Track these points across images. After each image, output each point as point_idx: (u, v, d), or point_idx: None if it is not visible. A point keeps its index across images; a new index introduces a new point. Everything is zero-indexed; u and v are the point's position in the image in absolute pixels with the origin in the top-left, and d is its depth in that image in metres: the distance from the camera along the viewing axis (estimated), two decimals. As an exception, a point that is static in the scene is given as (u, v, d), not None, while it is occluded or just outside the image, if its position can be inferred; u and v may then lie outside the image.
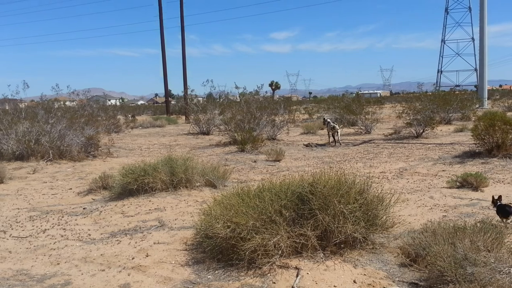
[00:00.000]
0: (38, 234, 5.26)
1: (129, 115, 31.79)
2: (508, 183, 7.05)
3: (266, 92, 29.36)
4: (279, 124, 16.09)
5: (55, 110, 13.01)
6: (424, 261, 3.59)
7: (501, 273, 3.13)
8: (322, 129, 19.53)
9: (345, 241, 4.21)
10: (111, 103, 58.97)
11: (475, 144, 9.82)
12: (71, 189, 7.96)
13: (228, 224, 4.10)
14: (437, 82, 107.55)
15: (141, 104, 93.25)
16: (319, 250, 4.10)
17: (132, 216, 5.90)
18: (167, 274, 3.89)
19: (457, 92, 24.95)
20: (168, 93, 38.60)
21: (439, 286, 3.24)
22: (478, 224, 3.86)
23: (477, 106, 25.38)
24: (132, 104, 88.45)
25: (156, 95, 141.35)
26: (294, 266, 3.89)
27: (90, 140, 11.80)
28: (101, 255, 4.44)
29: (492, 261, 3.26)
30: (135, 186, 6.82)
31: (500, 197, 4.85)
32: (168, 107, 37.31)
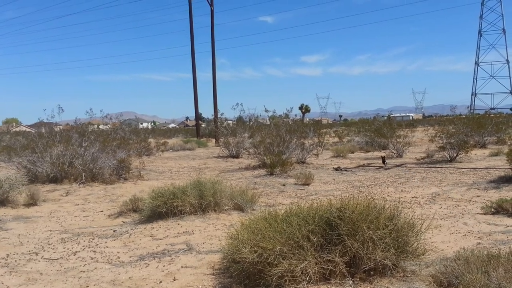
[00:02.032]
0: (69, 256, 5.36)
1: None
2: (547, 209, 6.76)
3: (295, 115, 29.42)
4: (309, 148, 16.04)
5: (88, 133, 13.40)
6: (457, 290, 3.47)
7: (540, 305, 2.99)
8: (352, 152, 19.37)
9: (375, 268, 4.11)
10: (143, 126, 60.29)
11: (510, 168, 9.49)
12: (102, 211, 8.12)
13: (255, 248, 4.08)
14: (471, 104, 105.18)
15: (172, 127, 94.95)
16: (347, 277, 4.01)
17: (160, 239, 5.95)
18: (193, 299, 3.89)
19: (492, 115, 24.29)
20: (198, 116, 39.21)
21: (473, 318, 3.11)
22: (514, 253, 3.70)
23: (513, 129, 24.64)
24: (164, 127, 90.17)
25: (187, 118, 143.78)
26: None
27: (121, 163, 12.06)
28: (129, 278, 4.48)
29: (530, 292, 3.12)
30: (164, 209, 6.90)
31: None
32: (198, 130, 37.84)
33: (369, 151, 19.48)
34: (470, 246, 4.85)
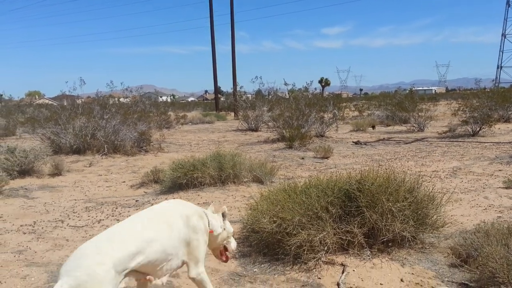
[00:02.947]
0: (93, 224, 5.53)
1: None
2: None
3: (315, 89, 29.12)
4: (328, 121, 15.95)
5: (109, 106, 13.57)
6: (476, 262, 3.48)
7: (560, 277, 2.98)
8: (373, 127, 19.19)
9: (393, 239, 4.14)
10: (162, 99, 60.65)
11: (536, 143, 9.30)
12: (124, 182, 8.30)
13: (274, 219, 4.14)
14: (496, 78, 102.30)
15: (191, 100, 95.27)
16: (365, 247, 4.05)
17: (181, 210, 6.06)
18: (214, 266, 3.99)
19: (517, 89, 23.67)
20: (217, 90, 39.19)
21: (490, 287, 3.12)
22: (536, 226, 3.67)
23: (540, 103, 23.96)
24: (183, 101, 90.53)
25: (206, 91, 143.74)
26: (340, 263, 3.88)
27: (142, 135, 12.23)
28: (152, 245, 4.61)
29: (550, 264, 3.11)
30: (185, 181, 7.02)
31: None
32: (217, 104, 37.88)
33: (389, 125, 19.26)
34: (490, 219, 4.82)
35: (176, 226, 2.68)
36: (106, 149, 11.37)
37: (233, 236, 3.29)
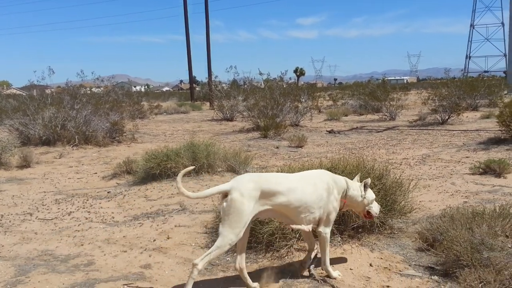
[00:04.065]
0: (63, 216, 5.45)
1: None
2: (534, 170, 6.90)
3: (290, 78, 29.17)
4: (303, 111, 16.04)
5: (80, 96, 13.28)
6: (441, 246, 3.59)
7: (518, 258, 3.11)
8: (346, 115, 19.42)
9: (363, 225, 4.23)
10: (136, 89, 59.75)
11: (500, 130, 9.60)
12: (96, 173, 8.18)
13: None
14: (465, 67, 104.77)
15: (166, 90, 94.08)
16: (336, 234, 4.13)
17: (154, 200, 6.04)
18: (187, 256, 4.00)
19: (485, 78, 24.26)
20: (192, 80, 38.83)
21: (455, 270, 3.24)
22: (497, 210, 3.81)
23: (505, 92, 24.66)
24: (158, 91, 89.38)
25: (181, 81, 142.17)
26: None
27: (115, 125, 12.05)
28: (124, 237, 4.59)
29: (510, 246, 3.25)
30: (158, 171, 6.97)
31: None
32: (192, 94, 37.55)
33: (362, 114, 19.52)
34: (457, 204, 4.97)
35: (319, 188, 3.26)
36: (77, 140, 11.16)
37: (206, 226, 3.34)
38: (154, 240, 4.43)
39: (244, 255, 3.25)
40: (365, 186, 3.53)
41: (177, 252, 4.10)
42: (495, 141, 9.47)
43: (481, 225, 3.59)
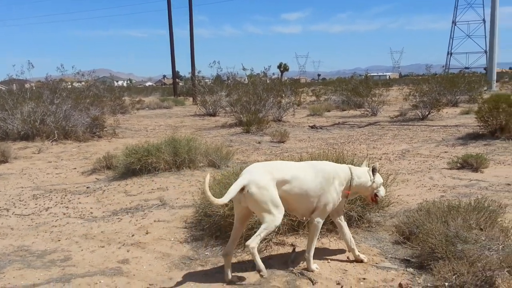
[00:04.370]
0: (40, 212, 5.38)
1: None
2: (509, 164, 7.06)
3: (273, 74, 29.19)
4: (285, 106, 16.08)
5: (60, 90, 13.07)
6: (417, 238, 3.64)
7: (490, 250, 3.17)
8: (329, 111, 19.52)
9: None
10: (118, 84, 59.07)
11: (479, 126, 9.77)
12: (75, 168, 8.08)
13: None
14: (446, 64, 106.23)
15: (149, 85, 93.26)
16: (315, 228, 4.15)
17: (134, 195, 6.00)
18: (165, 251, 3.99)
19: (465, 75, 24.63)
20: (175, 75, 38.57)
21: (430, 262, 3.28)
22: (473, 203, 3.88)
23: (485, 88, 25.10)
24: (140, 86, 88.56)
25: (164, 76, 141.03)
26: (290, 243, 3.96)
27: (95, 120, 11.91)
28: (102, 232, 4.54)
29: (483, 238, 3.31)
30: (138, 166, 6.92)
31: None
32: (175, 89, 37.28)
33: (345, 110, 19.65)
34: (434, 198, 5.04)
35: (319, 177, 3.36)
36: (56, 135, 11.00)
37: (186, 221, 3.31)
38: (133, 235, 4.40)
39: (235, 244, 3.40)
40: (373, 171, 3.61)
41: (155, 247, 4.08)
42: (474, 137, 9.64)
43: (456, 218, 3.65)
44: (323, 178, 3.36)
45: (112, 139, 11.80)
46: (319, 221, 3.41)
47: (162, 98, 30.50)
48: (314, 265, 3.48)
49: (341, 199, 3.50)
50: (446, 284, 3.08)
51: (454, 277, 3.08)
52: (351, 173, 3.51)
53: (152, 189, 6.28)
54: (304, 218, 3.66)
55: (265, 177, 3.15)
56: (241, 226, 3.42)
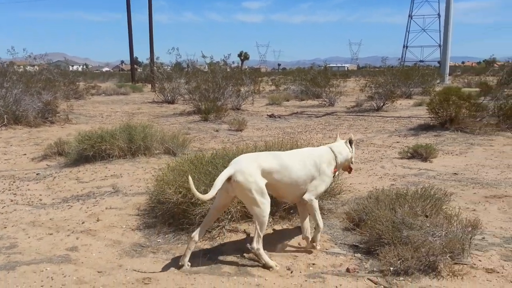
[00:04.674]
0: (-14, 198, 5.15)
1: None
2: (457, 154, 7.38)
3: (233, 62, 29.05)
4: (244, 95, 16.07)
5: (10, 74, 12.48)
6: (366, 225, 3.76)
7: (434, 236, 3.32)
8: (288, 100, 19.68)
9: (294, 206, 4.34)
10: (74, 69, 57.05)
11: (430, 117, 10.14)
12: (25, 154, 7.78)
13: (180, 189, 4.13)
14: (402, 57, 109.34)
15: (106, 71, 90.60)
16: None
17: (86, 182, 5.85)
18: (116, 238, 3.92)
19: (419, 68, 25.44)
20: (134, 60, 37.61)
21: (377, 248, 3.40)
22: (419, 191, 4.04)
23: (438, 81, 26.03)
24: (97, 71, 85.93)
25: (122, 62, 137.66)
26: (243, 230, 3.99)
27: (47, 105, 11.47)
28: (50, 219, 4.41)
29: (428, 225, 3.45)
30: (92, 153, 6.75)
31: None
32: (133, 75, 36.43)
33: (303, 100, 19.87)
34: (385, 187, 5.20)
35: (308, 165, 3.47)
36: (5, 119, 10.52)
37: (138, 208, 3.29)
38: (83, 223, 4.29)
39: (205, 229, 3.48)
40: (350, 142, 3.84)
41: (106, 234, 4.01)
42: (425, 128, 9.99)
43: (404, 205, 3.79)
44: (311, 166, 3.48)
45: (65, 124, 11.42)
46: (311, 199, 3.51)
47: (120, 84, 29.77)
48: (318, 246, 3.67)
49: (332, 179, 3.69)
50: (391, 268, 3.21)
51: (399, 262, 3.21)
52: (333, 152, 3.67)
53: (106, 176, 6.14)
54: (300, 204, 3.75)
55: (251, 165, 3.21)
56: (216, 214, 3.47)
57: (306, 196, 3.50)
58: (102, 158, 6.80)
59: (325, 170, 3.55)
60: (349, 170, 3.96)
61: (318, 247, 3.67)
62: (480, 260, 3.36)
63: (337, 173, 3.82)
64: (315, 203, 3.54)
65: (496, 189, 5.30)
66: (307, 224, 3.68)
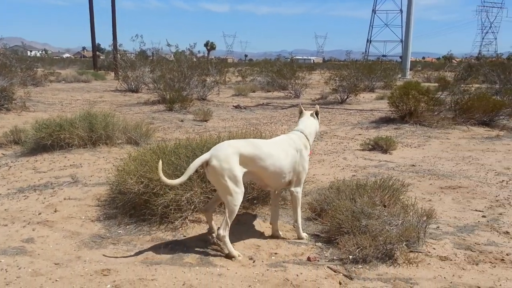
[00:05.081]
0: None
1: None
2: (415, 147, 7.61)
3: (199, 51, 28.74)
4: (210, 85, 15.94)
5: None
6: (327, 215, 3.83)
7: (391, 225, 3.42)
8: (254, 91, 19.67)
9: (257, 197, 4.37)
10: (32, 54, 54.93)
11: (391, 111, 10.39)
12: (-22, 143, 7.45)
13: (142, 180, 4.08)
14: (366, 51, 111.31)
15: (67, 57, 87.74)
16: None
17: (44, 172, 5.67)
18: (75, 229, 3.83)
19: (382, 62, 25.97)
20: (96, 47, 36.60)
21: (337, 237, 3.47)
22: (378, 182, 4.14)
23: (399, 76, 26.67)
24: (57, 57, 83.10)
25: (84, 48, 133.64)
26: (205, 220, 3.98)
27: (3, 92, 11.00)
28: (5, 210, 4.25)
29: (385, 214, 3.55)
30: (50, 141, 6.55)
31: None
32: (95, 62, 35.45)
33: (269, 91, 19.92)
34: (346, 178, 5.31)
35: (290, 152, 3.50)
36: (-43, 106, 10.04)
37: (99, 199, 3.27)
38: (40, 214, 4.16)
39: (216, 204, 3.67)
40: (317, 114, 4.02)
41: (64, 225, 3.90)
42: (386, 120, 10.24)
43: (363, 196, 3.88)
44: (294, 151, 3.53)
45: (22, 112, 11.00)
46: (298, 191, 3.60)
47: (81, 71, 28.93)
48: (304, 233, 3.70)
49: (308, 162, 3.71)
50: (350, 257, 3.29)
51: (357, 250, 3.29)
52: (305, 135, 3.72)
53: (65, 165, 5.97)
54: (276, 192, 3.78)
55: (228, 151, 3.21)
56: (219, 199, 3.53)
57: (293, 188, 3.58)
58: (61, 148, 6.60)
59: (304, 155, 3.60)
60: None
61: (281, 235, 3.71)
62: (434, 248, 3.49)
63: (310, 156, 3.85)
64: (299, 195, 3.62)
65: (451, 180, 5.51)
66: (277, 212, 3.76)
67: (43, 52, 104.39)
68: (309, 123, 3.86)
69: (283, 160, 3.43)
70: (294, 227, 3.77)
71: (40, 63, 32.40)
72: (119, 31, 30.06)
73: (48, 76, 22.64)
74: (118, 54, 22.80)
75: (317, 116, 3.96)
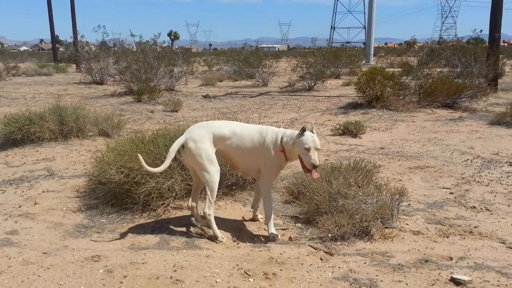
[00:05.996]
0: None
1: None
2: (383, 130, 7.91)
3: (163, 41, 28.37)
4: (177, 75, 15.86)
5: None
6: (305, 197, 4.00)
7: (366, 204, 3.62)
8: (221, 81, 19.67)
9: (236, 183, 4.50)
10: (-12, 47, 52.62)
11: (358, 96, 10.68)
12: None
13: (122, 169, 4.12)
14: (330, 38, 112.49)
15: (24, 50, 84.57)
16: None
17: (17, 167, 5.60)
18: (58, 220, 3.85)
19: (346, 49, 26.42)
20: (55, 39, 35.50)
21: (315, 217, 3.65)
22: (352, 164, 4.34)
23: (363, 62, 27.20)
24: (14, 50, 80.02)
25: (42, 40, 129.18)
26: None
27: (-37, 87, 10.64)
28: (-16, 204, 4.22)
29: (360, 194, 3.75)
30: (20, 136, 6.46)
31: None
32: (55, 54, 34.45)
33: (237, 80, 19.96)
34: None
35: (255, 138, 3.49)
36: None
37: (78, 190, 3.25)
38: (20, 206, 4.15)
39: (197, 194, 3.76)
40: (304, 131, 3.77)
41: (46, 217, 3.92)
42: (353, 106, 10.53)
43: (338, 177, 4.06)
44: (257, 139, 3.47)
45: (-16, 107, 10.68)
46: (263, 185, 3.53)
47: (41, 64, 28.04)
48: (273, 229, 3.51)
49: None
50: (329, 235, 3.47)
51: (336, 228, 3.48)
52: (281, 137, 3.47)
53: (37, 159, 5.91)
54: (249, 177, 3.94)
55: (201, 131, 3.41)
56: (198, 179, 3.59)
57: (260, 181, 3.57)
58: (32, 142, 6.52)
59: (270, 151, 3.47)
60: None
61: (261, 219, 3.85)
62: (407, 224, 3.72)
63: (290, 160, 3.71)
64: (267, 188, 3.54)
65: (419, 161, 5.80)
66: (258, 198, 3.86)
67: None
68: (293, 135, 3.43)
69: (247, 143, 3.46)
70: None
71: (-2, 56, 31.21)
72: (79, 21, 29.19)
73: (11, 70, 21.90)
74: (79, 46, 22.25)
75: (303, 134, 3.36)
